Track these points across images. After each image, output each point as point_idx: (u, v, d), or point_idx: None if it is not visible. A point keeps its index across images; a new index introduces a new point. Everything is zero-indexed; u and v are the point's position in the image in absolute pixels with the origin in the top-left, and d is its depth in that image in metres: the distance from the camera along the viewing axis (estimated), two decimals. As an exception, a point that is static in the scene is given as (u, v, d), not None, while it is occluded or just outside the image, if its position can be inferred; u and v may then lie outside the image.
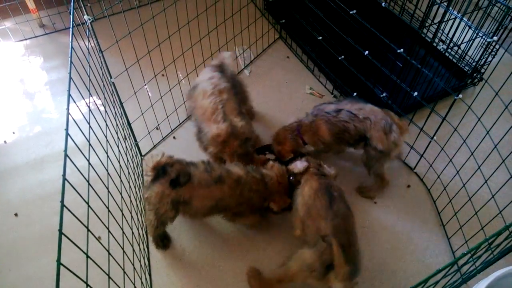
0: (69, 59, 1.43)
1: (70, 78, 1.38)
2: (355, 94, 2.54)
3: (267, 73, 2.89)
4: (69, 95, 1.33)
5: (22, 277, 1.90)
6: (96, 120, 1.62)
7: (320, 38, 2.59)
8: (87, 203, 1.23)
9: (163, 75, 2.43)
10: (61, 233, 0.96)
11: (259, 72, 2.90)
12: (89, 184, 1.30)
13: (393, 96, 2.38)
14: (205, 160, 1.82)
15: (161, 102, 2.39)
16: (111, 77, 1.92)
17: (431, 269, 1.95)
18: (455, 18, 1.80)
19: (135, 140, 2.28)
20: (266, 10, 3.30)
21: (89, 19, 1.67)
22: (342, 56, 2.48)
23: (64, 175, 1.12)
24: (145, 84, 2.29)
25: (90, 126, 1.49)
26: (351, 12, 2.19)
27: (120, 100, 2.02)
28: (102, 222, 1.34)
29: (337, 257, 1.47)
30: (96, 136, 1.52)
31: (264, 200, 1.85)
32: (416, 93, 2.12)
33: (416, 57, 2.16)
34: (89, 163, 1.35)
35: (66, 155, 1.16)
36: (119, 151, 1.81)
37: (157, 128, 2.47)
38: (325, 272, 1.53)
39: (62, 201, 1.03)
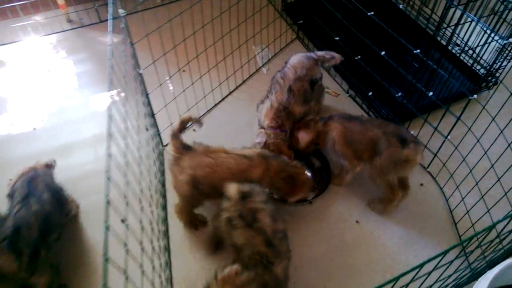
0: (109, 47, 1.53)
1: (111, 66, 1.47)
2: (370, 93, 2.60)
3: (284, 72, 2.97)
4: (110, 82, 1.42)
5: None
6: (121, 111, 1.71)
7: (337, 38, 2.67)
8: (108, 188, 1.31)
9: (184, 70, 2.54)
10: (107, 229, 1.01)
11: (277, 70, 2.98)
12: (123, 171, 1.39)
13: (408, 96, 2.44)
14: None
15: (183, 96, 2.49)
16: (139, 68, 2.02)
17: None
18: (470, 22, 1.87)
19: (158, 130, 2.37)
20: (284, 11, 3.39)
21: (123, 13, 1.77)
22: (359, 56, 2.55)
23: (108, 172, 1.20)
24: (169, 78, 2.39)
25: (125, 116, 1.57)
26: (369, 14, 2.26)
27: (146, 91, 2.13)
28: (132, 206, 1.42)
29: None
30: (123, 126, 1.60)
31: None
32: (431, 93, 2.18)
33: (431, 59, 2.22)
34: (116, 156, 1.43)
35: (108, 155, 1.24)
36: (139, 141, 1.90)
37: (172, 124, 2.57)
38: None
39: (107, 198, 1.11)
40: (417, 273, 1.01)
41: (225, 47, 2.65)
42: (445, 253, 1.01)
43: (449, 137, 2.13)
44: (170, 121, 2.45)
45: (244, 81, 2.85)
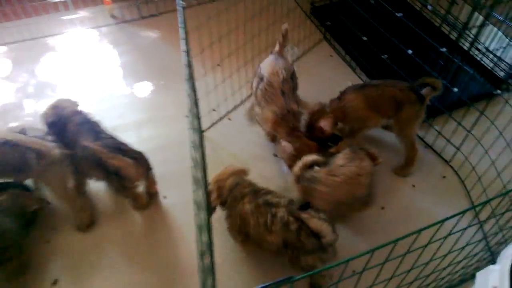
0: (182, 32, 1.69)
1: (187, 51, 1.62)
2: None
3: (311, 69, 3.15)
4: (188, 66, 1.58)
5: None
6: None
7: (365, 38, 2.84)
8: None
9: (218, 64, 2.74)
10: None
11: (304, 68, 3.16)
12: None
13: (432, 94, 2.59)
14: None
15: (218, 88, 2.69)
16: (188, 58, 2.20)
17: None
18: (493, 25, 2.01)
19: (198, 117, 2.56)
20: (311, 14, 3.59)
21: (182, 5, 1.94)
22: (386, 55, 2.71)
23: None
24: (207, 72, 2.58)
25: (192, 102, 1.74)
26: (398, 15, 2.43)
27: (193, 80, 2.31)
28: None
29: None
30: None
31: None
32: (456, 89, 2.33)
33: (453, 62, 2.38)
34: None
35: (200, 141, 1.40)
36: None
37: (214, 110, 2.75)
38: None
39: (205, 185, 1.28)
40: (437, 231, 1.14)
41: (256, 46, 2.87)
42: (463, 212, 1.12)
43: (472, 131, 2.27)
44: (209, 108, 2.65)
45: (275, 76, 3.03)
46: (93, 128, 2.09)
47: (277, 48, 2.52)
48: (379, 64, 2.78)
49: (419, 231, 1.05)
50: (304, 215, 1.69)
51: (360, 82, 3.04)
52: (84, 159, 1.98)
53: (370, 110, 2.33)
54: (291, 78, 2.41)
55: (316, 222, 1.66)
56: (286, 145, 2.25)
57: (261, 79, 2.40)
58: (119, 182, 1.97)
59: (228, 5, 2.60)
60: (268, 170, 2.46)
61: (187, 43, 1.64)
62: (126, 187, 2.01)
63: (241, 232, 1.88)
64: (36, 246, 2.10)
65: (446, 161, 2.54)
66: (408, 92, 2.26)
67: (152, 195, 2.28)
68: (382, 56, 2.71)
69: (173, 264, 2.05)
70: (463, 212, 1.09)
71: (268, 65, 2.42)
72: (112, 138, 2.07)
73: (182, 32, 1.65)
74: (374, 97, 2.31)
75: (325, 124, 2.35)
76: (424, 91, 2.29)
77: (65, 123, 2.11)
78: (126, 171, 1.94)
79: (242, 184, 1.89)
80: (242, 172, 1.97)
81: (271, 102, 2.31)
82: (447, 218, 1.09)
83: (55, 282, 1.96)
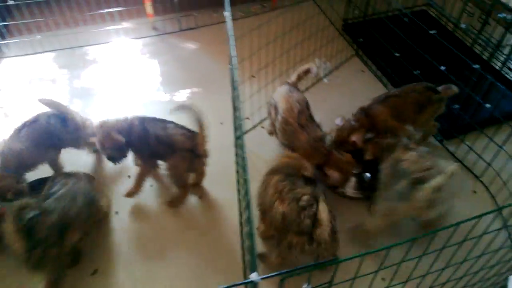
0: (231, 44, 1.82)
1: (234, 53, 1.76)
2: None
3: (343, 84, 3.25)
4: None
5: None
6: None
7: (398, 55, 2.92)
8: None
9: (253, 76, 2.88)
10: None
11: (336, 83, 3.26)
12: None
13: (463, 110, 2.63)
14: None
15: (257, 96, 2.82)
16: (232, 66, 2.34)
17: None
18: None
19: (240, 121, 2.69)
20: (344, 31, 3.70)
21: (229, 16, 2.08)
22: (418, 71, 2.78)
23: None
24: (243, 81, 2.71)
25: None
26: (431, 32, 2.51)
27: (236, 86, 2.45)
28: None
29: None
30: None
31: None
32: (488, 105, 2.37)
33: (486, 80, 2.43)
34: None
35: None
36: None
37: (247, 118, 2.87)
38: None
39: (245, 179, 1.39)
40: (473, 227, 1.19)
41: (291, 59, 3.03)
42: (500, 209, 1.18)
43: (503, 147, 2.29)
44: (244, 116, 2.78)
45: (307, 89, 3.14)
46: (150, 121, 2.26)
47: (293, 78, 2.54)
48: (411, 80, 2.84)
49: (457, 224, 1.10)
50: (321, 200, 1.76)
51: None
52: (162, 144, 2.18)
53: (397, 120, 2.43)
54: (307, 108, 2.41)
55: (325, 210, 1.72)
56: (332, 174, 2.29)
57: (275, 107, 2.46)
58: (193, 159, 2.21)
59: (269, 17, 2.75)
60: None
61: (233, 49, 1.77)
62: (200, 163, 2.27)
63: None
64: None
65: (476, 176, 2.55)
66: (427, 92, 2.40)
67: (198, 188, 2.45)
68: (415, 72, 2.77)
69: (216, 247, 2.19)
70: (499, 209, 1.15)
71: (282, 98, 2.42)
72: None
73: (232, 40, 1.78)
74: (398, 106, 2.42)
75: (357, 138, 2.43)
76: (442, 88, 2.43)
77: (130, 133, 2.20)
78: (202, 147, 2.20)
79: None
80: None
81: (295, 140, 2.33)
82: (486, 213, 1.14)
83: (94, 272, 2.07)
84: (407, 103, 2.42)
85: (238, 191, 2.44)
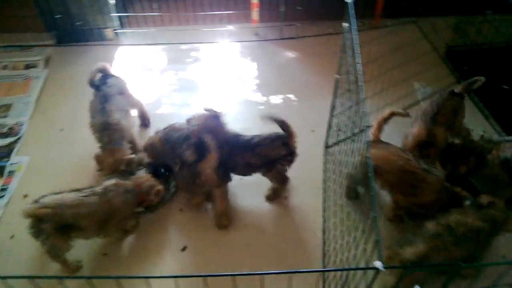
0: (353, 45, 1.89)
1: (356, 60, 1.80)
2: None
3: (440, 111, 3.13)
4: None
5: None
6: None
7: (507, 87, 2.76)
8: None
9: (349, 90, 2.89)
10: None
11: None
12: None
13: None
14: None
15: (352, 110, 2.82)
16: (339, 75, 2.40)
17: None
18: None
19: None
20: (446, 57, 3.58)
21: (347, 27, 2.13)
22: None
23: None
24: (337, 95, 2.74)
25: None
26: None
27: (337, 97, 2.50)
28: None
29: None
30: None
31: None
32: None
33: None
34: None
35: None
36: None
37: (339, 130, 2.89)
38: None
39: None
40: None
41: (388, 79, 3.04)
42: None
43: None
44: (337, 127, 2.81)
45: (404, 109, 3.08)
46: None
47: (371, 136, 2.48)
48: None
49: None
50: None
51: (489, 127, 2.96)
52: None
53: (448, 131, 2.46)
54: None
55: None
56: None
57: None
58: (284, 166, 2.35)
59: (371, 37, 2.77)
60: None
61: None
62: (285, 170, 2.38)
63: None
64: (171, 214, 2.40)
65: None
66: (453, 98, 2.48)
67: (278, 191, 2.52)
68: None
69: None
70: None
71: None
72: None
73: (357, 48, 1.87)
74: (446, 117, 2.44)
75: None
76: (458, 89, 2.53)
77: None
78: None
79: None
80: None
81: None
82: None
83: (184, 248, 2.22)
84: (448, 111, 2.46)
85: (324, 199, 2.48)
